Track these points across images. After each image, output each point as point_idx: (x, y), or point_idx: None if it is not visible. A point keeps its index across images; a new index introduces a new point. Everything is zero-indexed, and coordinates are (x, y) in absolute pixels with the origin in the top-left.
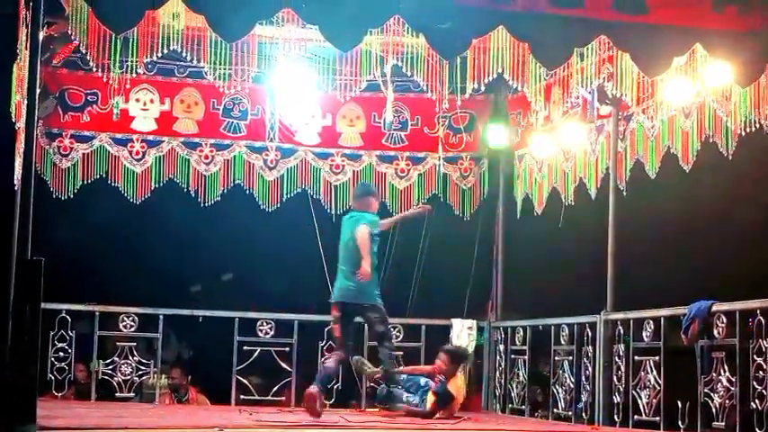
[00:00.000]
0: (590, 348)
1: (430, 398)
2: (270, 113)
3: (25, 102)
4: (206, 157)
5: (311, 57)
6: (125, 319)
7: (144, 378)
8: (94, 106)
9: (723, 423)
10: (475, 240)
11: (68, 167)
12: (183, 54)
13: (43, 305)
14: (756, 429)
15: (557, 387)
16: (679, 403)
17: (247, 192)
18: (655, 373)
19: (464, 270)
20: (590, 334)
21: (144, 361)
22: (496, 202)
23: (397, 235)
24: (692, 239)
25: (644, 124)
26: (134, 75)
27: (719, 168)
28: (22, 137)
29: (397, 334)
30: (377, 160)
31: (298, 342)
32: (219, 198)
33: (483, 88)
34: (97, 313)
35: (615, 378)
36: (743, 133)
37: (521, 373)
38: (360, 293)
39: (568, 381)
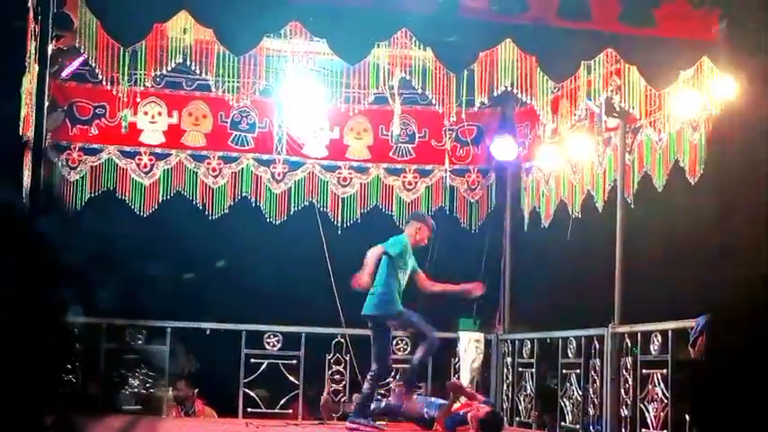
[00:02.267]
0: (597, 361)
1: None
2: (277, 126)
3: (34, 114)
4: (213, 170)
5: (319, 70)
6: (133, 331)
7: (151, 391)
8: (103, 119)
9: None
10: (482, 253)
11: (76, 180)
12: (191, 67)
13: None
14: None
15: (564, 400)
16: (686, 417)
17: (254, 204)
18: (662, 386)
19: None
20: (597, 347)
21: (151, 373)
22: (504, 214)
23: None
24: (699, 251)
25: (651, 137)
26: (142, 88)
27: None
28: (30, 149)
29: (404, 346)
30: (384, 173)
31: (305, 355)
32: (227, 211)
33: (490, 101)
34: (104, 326)
35: (623, 391)
36: None
37: (528, 386)
38: (372, 306)
39: (576, 394)
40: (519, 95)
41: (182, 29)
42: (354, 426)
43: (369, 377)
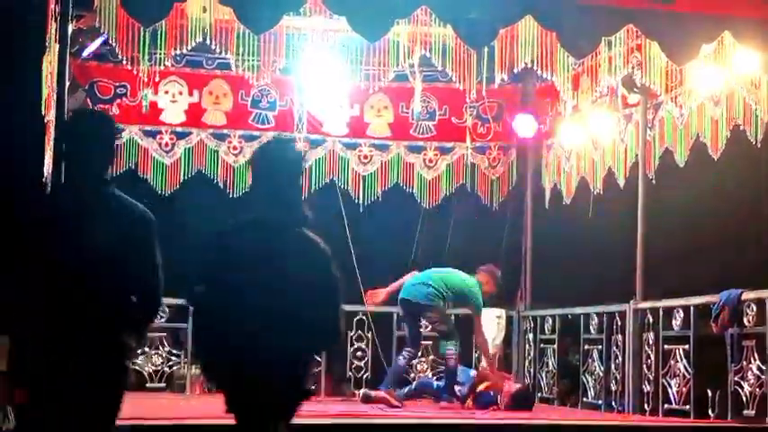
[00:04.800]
0: (619, 337)
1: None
2: (298, 104)
3: (55, 95)
4: (234, 149)
5: (339, 47)
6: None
7: (174, 368)
8: (124, 99)
9: (753, 411)
10: (503, 230)
11: None
12: (212, 46)
13: None
14: None
15: (586, 376)
16: (709, 392)
17: None
18: (685, 361)
19: (493, 259)
20: (619, 323)
21: (174, 352)
22: (525, 191)
23: (425, 225)
24: (721, 227)
25: (673, 113)
26: (163, 67)
27: (749, 156)
28: (51, 130)
29: (426, 323)
30: (405, 150)
31: None
32: (248, 189)
33: (511, 78)
34: None
35: (645, 367)
36: None
37: (550, 362)
38: (423, 295)
39: (598, 369)
40: (539, 72)
41: (201, 8)
42: (388, 396)
43: (405, 355)
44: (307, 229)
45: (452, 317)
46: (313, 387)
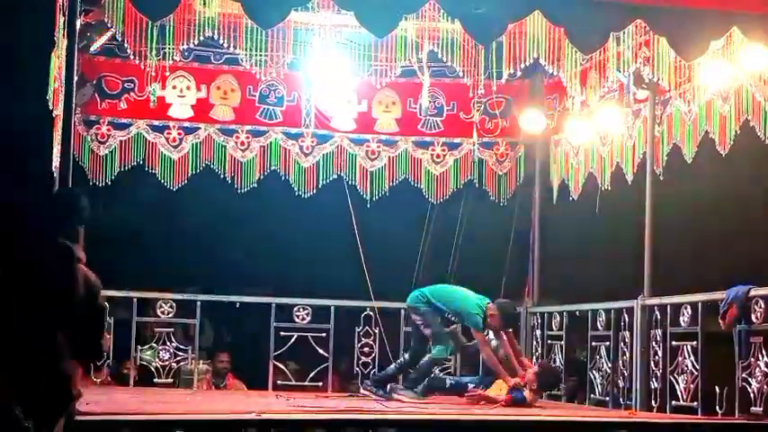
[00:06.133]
0: (627, 334)
1: (497, 389)
2: (306, 100)
3: (63, 89)
4: (242, 144)
5: (347, 43)
6: (162, 305)
7: (182, 364)
8: (131, 93)
9: (761, 408)
10: (511, 226)
11: (106, 154)
12: (220, 41)
13: None
14: None
15: (593, 372)
16: (717, 388)
17: (283, 178)
18: (692, 358)
19: (500, 255)
20: (627, 319)
21: (182, 347)
22: (532, 187)
23: (434, 221)
24: (729, 224)
25: (681, 108)
26: (170, 62)
27: (757, 152)
28: (59, 124)
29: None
30: (412, 146)
31: (334, 328)
32: (256, 184)
33: (519, 73)
34: (135, 299)
35: (652, 363)
36: None
37: (557, 359)
38: (409, 297)
39: (605, 366)
40: (547, 67)
41: (209, 2)
42: (367, 392)
43: (398, 363)
44: (81, 265)
45: (442, 323)
46: (76, 391)
